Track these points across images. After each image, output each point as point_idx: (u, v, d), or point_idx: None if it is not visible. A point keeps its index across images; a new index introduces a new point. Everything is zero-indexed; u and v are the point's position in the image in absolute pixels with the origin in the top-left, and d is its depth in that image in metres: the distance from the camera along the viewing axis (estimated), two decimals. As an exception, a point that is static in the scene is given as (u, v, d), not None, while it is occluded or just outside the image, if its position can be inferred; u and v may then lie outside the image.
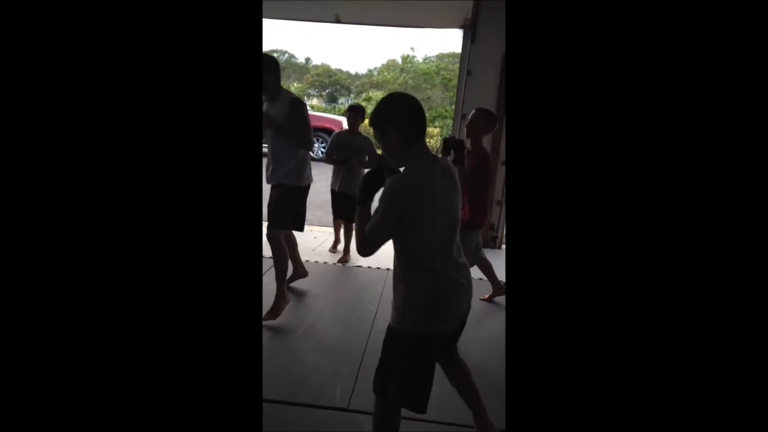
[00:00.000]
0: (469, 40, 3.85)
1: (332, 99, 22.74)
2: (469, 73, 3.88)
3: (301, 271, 3.17)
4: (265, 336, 2.51)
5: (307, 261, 3.52)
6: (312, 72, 23.93)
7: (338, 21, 4.17)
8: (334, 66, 24.27)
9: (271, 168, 2.56)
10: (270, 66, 2.41)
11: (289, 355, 2.39)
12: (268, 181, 2.56)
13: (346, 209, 3.60)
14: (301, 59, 26.29)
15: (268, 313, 2.58)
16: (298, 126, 2.43)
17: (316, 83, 23.31)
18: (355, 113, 3.41)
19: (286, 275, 2.67)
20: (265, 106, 2.49)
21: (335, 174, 3.64)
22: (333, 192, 3.68)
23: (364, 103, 15.76)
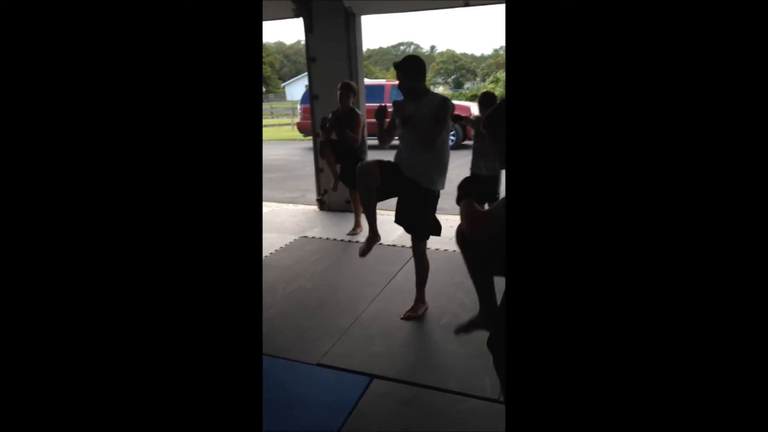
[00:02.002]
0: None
1: (458, 85, 22.43)
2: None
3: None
4: (412, 324, 2.61)
5: (445, 250, 3.55)
6: (437, 60, 23.88)
7: (467, 4, 4.08)
8: (458, 51, 23.92)
9: (417, 169, 2.53)
10: (421, 67, 2.59)
11: (436, 343, 2.45)
12: (405, 174, 2.56)
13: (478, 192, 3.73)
14: (426, 48, 26.38)
15: (409, 312, 2.68)
16: (442, 123, 2.49)
17: (442, 71, 23.21)
18: (486, 102, 3.69)
19: (425, 283, 2.72)
20: (408, 107, 2.55)
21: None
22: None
23: (491, 86, 15.16)
